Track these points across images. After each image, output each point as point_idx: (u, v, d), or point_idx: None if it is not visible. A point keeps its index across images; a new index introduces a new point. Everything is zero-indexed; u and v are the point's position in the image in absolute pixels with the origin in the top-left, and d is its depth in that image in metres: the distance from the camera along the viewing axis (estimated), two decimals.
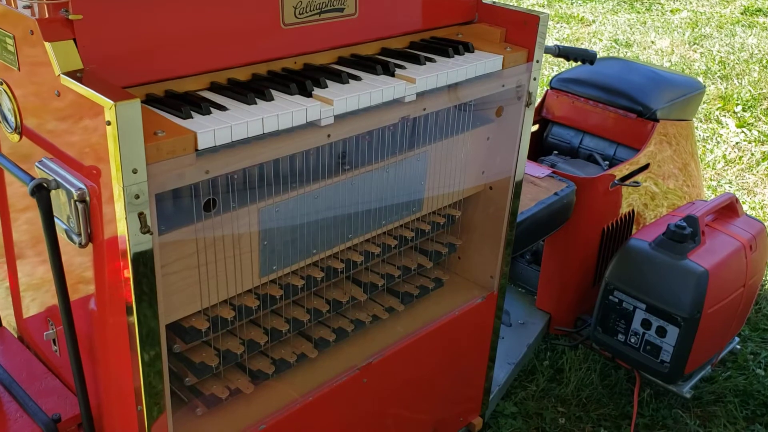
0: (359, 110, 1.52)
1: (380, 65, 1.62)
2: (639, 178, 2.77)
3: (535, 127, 3.05)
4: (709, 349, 2.47)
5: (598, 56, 2.66)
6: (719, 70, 5.83)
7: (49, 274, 1.36)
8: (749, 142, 4.69)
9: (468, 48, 1.80)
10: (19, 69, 1.34)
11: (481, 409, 2.34)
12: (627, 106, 2.80)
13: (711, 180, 4.25)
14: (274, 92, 1.44)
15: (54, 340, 1.62)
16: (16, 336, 1.80)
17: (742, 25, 7.06)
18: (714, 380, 2.71)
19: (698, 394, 2.65)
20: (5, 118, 1.45)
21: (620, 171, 2.68)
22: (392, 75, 1.61)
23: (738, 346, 2.77)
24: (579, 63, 2.61)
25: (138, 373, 1.33)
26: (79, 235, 1.29)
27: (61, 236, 1.33)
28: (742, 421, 2.56)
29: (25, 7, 1.29)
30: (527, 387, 2.65)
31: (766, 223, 3.51)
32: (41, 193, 1.28)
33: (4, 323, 1.84)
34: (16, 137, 1.43)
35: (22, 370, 1.68)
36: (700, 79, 5.62)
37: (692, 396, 2.56)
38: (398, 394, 1.99)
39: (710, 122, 4.96)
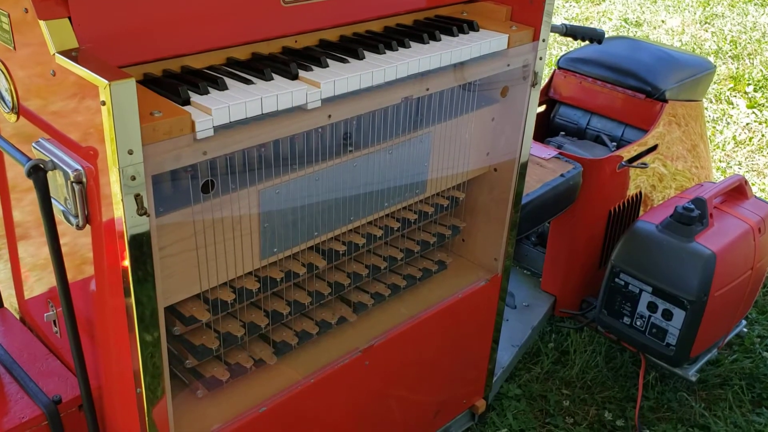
0: (360, 90, 1.49)
1: (382, 44, 1.59)
2: (647, 159, 2.73)
3: (542, 108, 3.01)
4: (716, 333, 2.45)
5: (606, 35, 2.62)
6: (731, 50, 5.76)
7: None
8: (760, 123, 4.64)
9: (473, 27, 1.77)
10: (14, 48, 1.32)
11: (484, 391, 2.34)
12: (635, 86, 2.76)
13: (720, 161, 4.20)
14: (273, 72, 1.42)
15: (54, 322, 1.62)
16: (17, 317, 1.80)
17: (755, 4, 6.95)
18: (720, 363, 2.70)
19: (704, 377, 2.63)
20: (2, 98, 1.43)
21: (628, 152, 2.64)
22: (395, 54, 1.58)
23: (745, 329, 2.75)
24: (587, 42, 2.58)
25: (137, 356, 1.32)
26: (77, 216, 1.28)
27: (59, 218, 1.32)
28: (748, 404, 2.54)
29: None
30: (532, 369, 2.64)
31: None
32: (38, 174, 1.26)
33: (5, 304, 1.84)
34: (14, 117, 1.42)
35: (23, 352, 1.68)
36: (711, 58, 5.55)
37: (698, 379, 2.55)
38: (401, 376, 1.98)
39: (720, 103, 4.90)
